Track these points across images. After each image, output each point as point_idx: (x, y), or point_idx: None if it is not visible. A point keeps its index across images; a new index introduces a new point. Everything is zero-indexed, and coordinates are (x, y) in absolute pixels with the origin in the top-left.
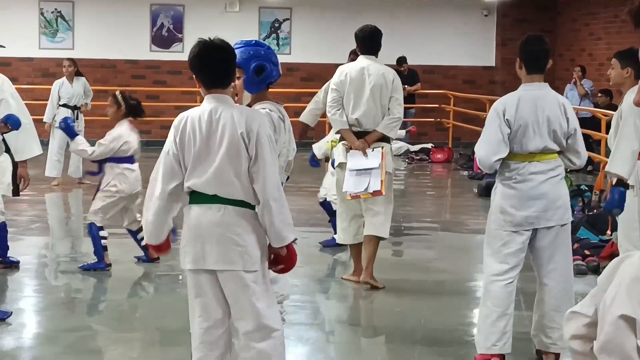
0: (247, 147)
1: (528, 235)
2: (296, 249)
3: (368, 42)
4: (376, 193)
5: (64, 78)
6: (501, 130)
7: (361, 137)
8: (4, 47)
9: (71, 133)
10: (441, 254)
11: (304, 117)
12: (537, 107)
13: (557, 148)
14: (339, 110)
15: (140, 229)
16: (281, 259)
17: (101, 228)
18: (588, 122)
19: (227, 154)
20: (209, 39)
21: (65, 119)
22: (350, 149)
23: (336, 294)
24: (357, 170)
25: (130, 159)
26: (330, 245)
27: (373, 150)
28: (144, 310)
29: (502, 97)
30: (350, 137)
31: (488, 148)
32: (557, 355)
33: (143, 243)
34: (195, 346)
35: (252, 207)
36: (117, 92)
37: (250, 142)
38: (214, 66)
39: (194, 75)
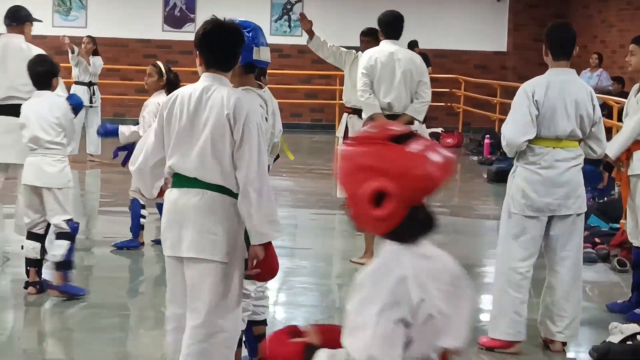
0: (232, 130)
1: (545, 221)
2: (305, 230)
3: (393, 26)
4: None
5: (75, 55)
6: (530, 111)
7: (392, 120)
8: (41, 21)
9: (114, 131)
10: (451, 238)
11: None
12: (565, 91)
13: (580, 135)
14: (371, 95)
15: (144, 206)
16: (259, 262)
17: (143, 207)
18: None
19: (211, 135)
20: (223, 18)
21: (102, 126)
22: None
23: (345, 276)
24: None
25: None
26: None
27: None
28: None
29: (530, 80)
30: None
31: (516, 129)
32: (564, 344)
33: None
34: (167, 330)
35: (235, 196)
36: (160, 63)
37: (236, 125)
38: (222, 46)
39: (197, 52)
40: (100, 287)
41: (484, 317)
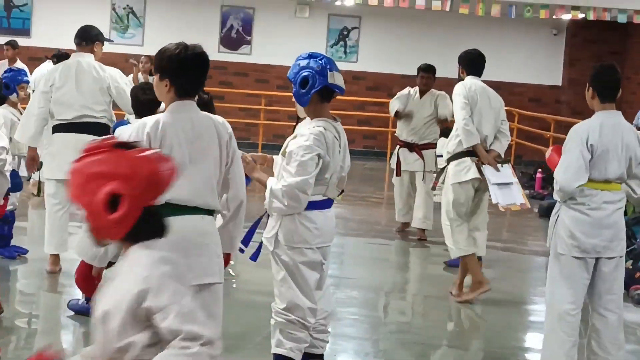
0: (227, 153)
1: (592, 264)
2: (357, 260)
3: (478, 64)
4: (523, 206)
5: (131, 75)
6: (583, 156)
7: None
8: (112, 41)
9: None
10: (501, 273)
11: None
12: (617, 135)
13: (626, 177)
14: (473, 124)
15: None
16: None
17: None
18: None
19: (214, 161)
20: (191, 45)
21: None
22: (481, 163)
23: (394, 308)
24: (498, 184)
25: None
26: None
27: (502, 166)
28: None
29: (582, 122)
30: (483, 153)
31: (570, 174)
32: None
33: None
34: None
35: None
36: None
37: (229, 148)
38: (198, 74)
39: (164, 78)
40: None
41: (534, 357)
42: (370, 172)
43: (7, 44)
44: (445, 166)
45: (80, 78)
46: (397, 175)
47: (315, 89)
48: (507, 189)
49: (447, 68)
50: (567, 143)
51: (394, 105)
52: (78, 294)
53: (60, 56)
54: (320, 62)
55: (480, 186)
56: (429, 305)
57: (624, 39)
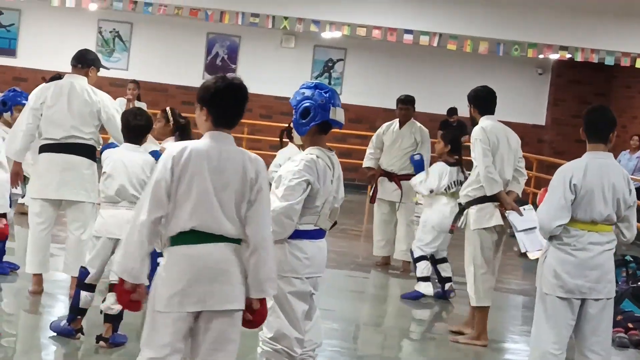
0: (251, 190)
1: (578, 305)
2: (337, 292)
3: (489, 101)
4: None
5: (124, 99)
6: (565, 196)
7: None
8: (108, 68)
9: None
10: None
11: (367, 163)
12: (603, 176)
13: (615, 219)
14: (496, 170)
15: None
16: (252, 311)
17: (160, 254)
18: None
19: (236, 194)
20: (230, 76)
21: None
22: (504, 209)
23: (373, 341)
24: (525, 230)
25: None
26: (411, 298)
27: (525, 210)
28: None
29: (569, 162)
30: (506, 199)
31: (550, 213)
32: None
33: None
34: None
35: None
36: (168, 108)
37: (255, 186)
38: (235, 106)
39: (203, 107)
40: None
41: None
42: (350, 205)
43: None
44: (463, 209)
45: (72, 99)
46: (371, 202)
47: (315, 122)
48: (532, 234)
49: (432, 103)
50: (552, 182)
51: (367, 161)
52: (60, 315)
53: (58, 79)
54: (325, 95)
55: (502, 232)
56: (408, 339)
57: (609, 80)
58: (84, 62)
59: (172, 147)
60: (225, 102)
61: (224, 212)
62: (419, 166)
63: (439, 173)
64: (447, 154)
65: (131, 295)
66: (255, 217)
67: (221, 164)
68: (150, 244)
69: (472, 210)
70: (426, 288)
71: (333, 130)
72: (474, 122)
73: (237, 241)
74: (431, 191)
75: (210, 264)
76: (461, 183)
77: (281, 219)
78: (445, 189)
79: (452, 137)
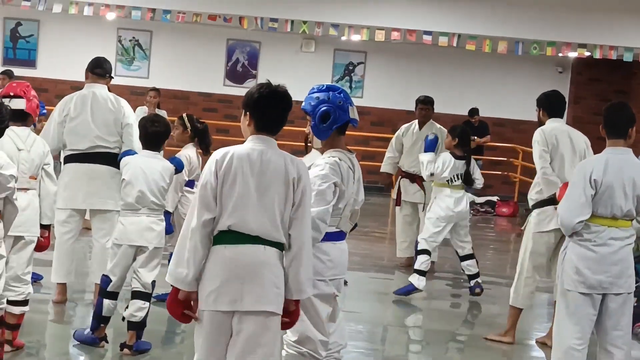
0: (294, 192)
1: (599, 300)
2: (361, 294)
3: (558, 105)
4: None
5: (145, 107)
6: (585, 192)
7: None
8: (112, 77)
9: None
10: (505, 309)
11: (385, 168)
12: (623, 171)
13: (635, 214)
14: (553, 172)
15: None
16: (288, 313)
17: None
18: None
19: (278, 197)
20: (275, 85)
21: None
22: None
23: (397, 343)
24: None
25: (191, 183)
26: (404, 293)
27: None
28: None
29: (588, 158)
30: None
31: (571, 210)
32: None
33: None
34: None
35: (282, 251)
36: (184, 115)
37: (297, 188)
38: (276, 112)
39: (246, 113)
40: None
41: None
42: (373, 207)
43: (2, 73)
44: (530, 213)
45: (96, 109)
46: (397, 205)
47: (338, 125)
48: None
49: (453, 104)
50: (572, 179)
51: (385, 166)
52: (84, 324)
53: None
54: (340, 96)
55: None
56: (433, 340)
57: (629, 77)
58: (106, 70)
59: (216, 152)
60: (268, 108)
61: (264, 213)
62: (430, 145)
63: (443, 161)
64: (454, 147)
65: (184, 307)
66: (300, 219)
67: (262, 166)
68: (204, 248)
69: (534, 213)
70: (419, 282)
71: (355, 132)
72: (541, 126)
73: (277, 245)
74: (431, 174)
75: (244, 264)
76: (466, 177)
77: (317, 223)
78: (447, 181)
79: (460, 131)
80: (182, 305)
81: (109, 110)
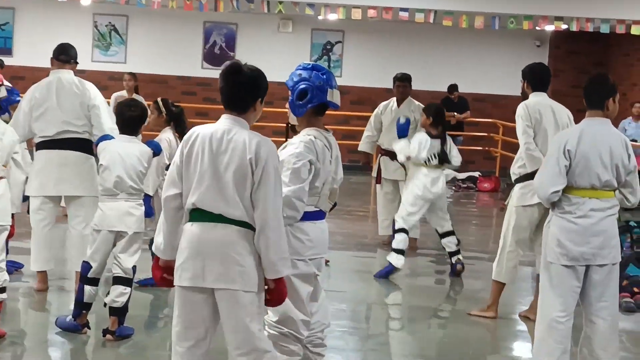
0: (252, 172)
1: (583, 271)
2: (343, 273)
3: (542, 78)
4: None
5: (124, 91)
6: (559, 163)
7: None
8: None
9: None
10: (488, 284)
11: (363, 146)
12: (599, 141)
13: (616, 184)
14: (536, 148)
15: None
16: (270, 292)
17: None
18: None
19: (234, 176)
20: (241, 62)
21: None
22: None
23: (381, 321)
24: None
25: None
26: (383, 276)
27: None
28: None
29: (564, 130)
30: None
31: (545, 179)
32: None
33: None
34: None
35: (254, 230)
36: (159, 99)
37: (256, 168)
38: (234, 89)
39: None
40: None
41: None
42: (355, 186)
43: None
44: (512, 187)
45: (61, 94)
46: (377, 182)
47: (312, 105)
48: None
49: (432, 81)
50: (548, 151)
51: (362, 145)
52: (66, 311)
53: None
54: (322, 77)
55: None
56: (417, 317)
57: (606, 49)
58: (72, 56)
59: (189, 131)
60: (225, 85)
61: (224, 193)
62: (402, 130)
63: (419, 142)
64: (429, 126)
65: (163, 272)
66: (262, 199)
67: (223, 145)
68: (172, 222)
69: (517, 187)
70: (398, 260)
71: (335, 112)
72: (525, 98)
73: (242, 224)
74: (408, 158)
75: (206, 241)
76: (442, 156)
77: (293, 202)
78: (425, 161)
79: (435, 110)
80: (162, 270)
81: (74, 94)
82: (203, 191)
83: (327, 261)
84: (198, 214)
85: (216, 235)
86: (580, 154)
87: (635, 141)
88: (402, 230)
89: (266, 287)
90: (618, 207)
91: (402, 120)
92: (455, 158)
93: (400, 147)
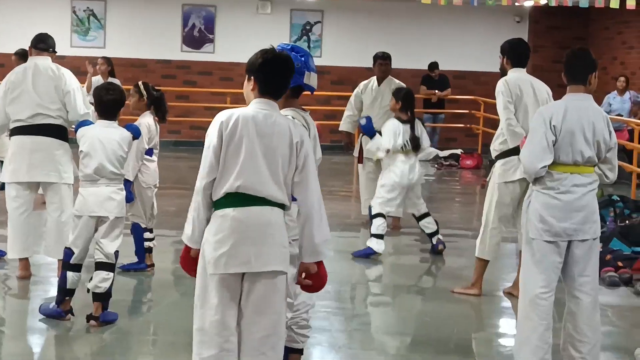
0: (298, 156)
1: (565, 247)
2: (328, 253)
3: (521, 53)
4: None
5: (99, 76)
6: (546, 137)
7: None
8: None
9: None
10: (472, 261)
11: (344, 126)
12: (583, 117)
13: (596, 160)
14: (518, 123)
15: (147, 228)
16: (311, 276)
17: (146, 230)
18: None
19: (282, 159)
20: (278, 49)
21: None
22: None
23: (365, 301)
24: None
25: (150, 151)
26: (363, 256)
27: None
28: (179, 313)
29: (547, 104)
30: None
31: (533, 155)
32: None
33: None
34: (213, 354)
35: (285, 211)
36: (140, 82)
37: (300, 152)
38: (279, 77)
39: (251, 76)
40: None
41: (509, 343)
42: (338, 166)
43: None
44: (492, 163)
45: (36, 77)
46: (359, 162)
47: (290, 86)
48: None
49: (412, 59)
50: (531, 125)
51: (343, 125)
52: (49, 298)
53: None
54: (300, 59)
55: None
56: (401, 296)
57: (586, 24)
58: (49, 45)
59: (220, 113)
60: (271, 72)
61: (270, 174)
62: (368, 129)
63: (394, 131)
64: (399, 110)
65: (197, 264)
66: (305, 182)
67: (268, 128)
68: (207, 208)
69: (498, 164)
70: (378, 245)
71: (316, 93)
72: (504, 74)
73: (281, 206)
74: (388, 151)
75: (253, 225)
76: (414, 141)
77: None
78: (401, 148)
79: (404, 94)
80: (194, 262)
81: (49, 77)
82: (251, 174)
83: None
84: (237, 199)
85: (263, 218)
86: (565, 129)
87: (621, 115)
88: (379, 215)
89: (303, 273)
90: (598, 182)
91: (363, 122)
92: (425, 142)
93: (376, 144)
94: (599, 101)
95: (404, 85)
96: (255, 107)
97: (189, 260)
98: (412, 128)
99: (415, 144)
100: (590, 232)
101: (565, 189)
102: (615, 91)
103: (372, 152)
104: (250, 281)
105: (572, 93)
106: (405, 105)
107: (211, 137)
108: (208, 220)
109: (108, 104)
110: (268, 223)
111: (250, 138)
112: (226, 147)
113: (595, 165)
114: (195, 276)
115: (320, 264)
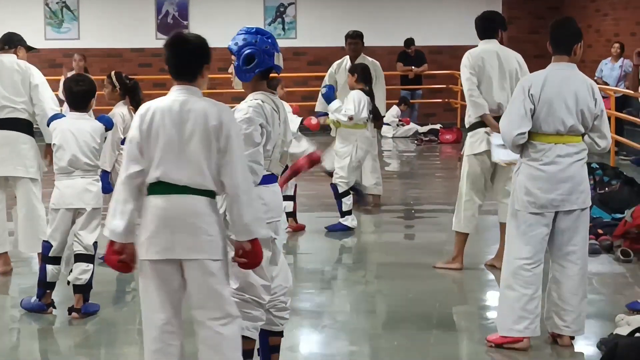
0: (218, 139)
1: (551, 217)
2: (307, 233)
3: (484, 26)
4: None
5: (74, 72)
6: (524, 105)
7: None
8: (37, 50)
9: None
10: (453, 236)
11: (320, 107)
12: (564, 86)
13: (582, 130)
14: (480, 95)
15: None
16: (245, 254)
17: None
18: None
19: (199, 145)
20: (184, 32)
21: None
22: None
23: (348, 280)
24: (502, 144)
25: (124, 141)
26: (337, 230)
27: None
28: None
29: (529, 74)
30: (492, 122)
31: (510, 122)
32: (572, 338)
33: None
34: (154, 337)
35: (215, 198)
36: (112, 73)
37: (220, 135)
38: (180, 58)
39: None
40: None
41: (492, 315)
42: (317, 147)
43: None
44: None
45: (2, 71)
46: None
47: (260, 69)
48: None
49: (388, 36)
50: (513, 94)
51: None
52: (30, 292)
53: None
54: (267, 41)
55: None
56: (384, 273)
57: None
58: (11, 42)
59: (141, 107)
60: (171, 57)
61: (189, 163)
62: (330, 97)
63: (358, 100)
64: (355, 83)
65: (120, 257)
66: (229, 164)
67: (183, 116)
68: (134, 200)
69: (467, 136)
70: (352, 222)
71: (293, 74)
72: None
73: (207, 193)
74: (350, 118)
75: (174, 213)
76: (375, 112)
77: (251, 166)
78: (365, 121)
79: (360, 68)
80: (118, 256)
81: (15, 71)
82: (168, 164)
83: (303, 227)
84: (162, 187)
85: (183, 206)
86: (543, 98)
87: (607, 84)
88: (345, 193)
89: (240, 251)
90: (586, 151)
91: (323, 91)
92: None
93: (337, 105)
94: (590, 69)
95: (377, 62)
96: (173, 96)
97: (113, 254)
98: (372, 100)
99: (375, 115)
100: (578, 202)
101: (549, 160)
102: (610, 57)
103: (331, 114)
104: (187, 268)
105: (555, 62)
106: (361, 76)
107: (132, 131)
108: (137, 211)
109: (78, 95)
110: (189, 212)
111: (166, 129)
112: (146, 140)
113: (583, 134)
114: (122, 271)
115: (254, 241)
